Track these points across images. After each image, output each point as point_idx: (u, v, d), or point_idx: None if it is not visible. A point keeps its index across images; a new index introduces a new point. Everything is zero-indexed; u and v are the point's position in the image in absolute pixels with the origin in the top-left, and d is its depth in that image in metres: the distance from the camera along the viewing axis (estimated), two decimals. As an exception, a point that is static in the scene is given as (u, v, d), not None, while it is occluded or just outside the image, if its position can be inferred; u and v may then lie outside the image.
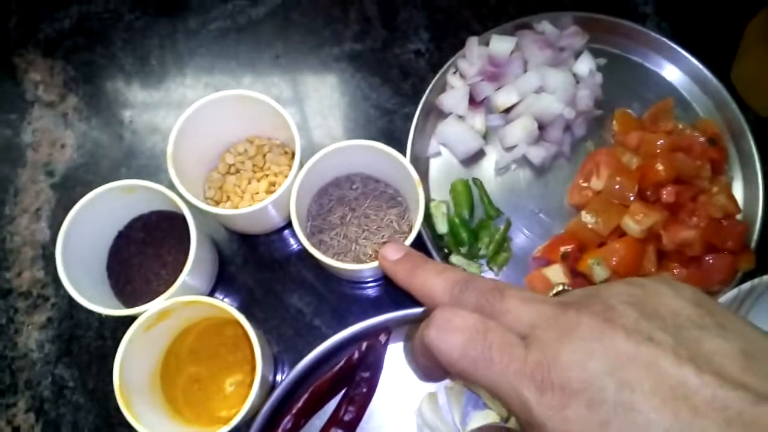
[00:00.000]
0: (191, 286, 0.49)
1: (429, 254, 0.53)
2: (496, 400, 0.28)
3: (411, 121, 0.58)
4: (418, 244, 0.50)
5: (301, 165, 0.49)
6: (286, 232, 0.57)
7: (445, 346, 0.27)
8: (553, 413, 0.23)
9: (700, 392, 0.21)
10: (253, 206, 0.47)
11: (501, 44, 0.57)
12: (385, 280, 0.56)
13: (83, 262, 0.49)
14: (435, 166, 0.58)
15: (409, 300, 0.54)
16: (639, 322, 0.24)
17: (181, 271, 0.52)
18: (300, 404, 0.49)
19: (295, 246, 0.56)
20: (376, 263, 0.46)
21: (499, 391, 0.26)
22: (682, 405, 0.21)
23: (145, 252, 0.53)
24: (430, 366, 0.31)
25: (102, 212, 0.49)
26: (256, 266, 0.56)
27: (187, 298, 0.45)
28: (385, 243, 0.52)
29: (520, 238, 0.56)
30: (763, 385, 0.21)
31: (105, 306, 0.46)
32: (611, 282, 0.28)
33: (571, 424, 0.23)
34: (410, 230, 0.53)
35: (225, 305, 0.45)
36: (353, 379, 0.50)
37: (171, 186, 0.47)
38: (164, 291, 0.51)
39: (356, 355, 0.49)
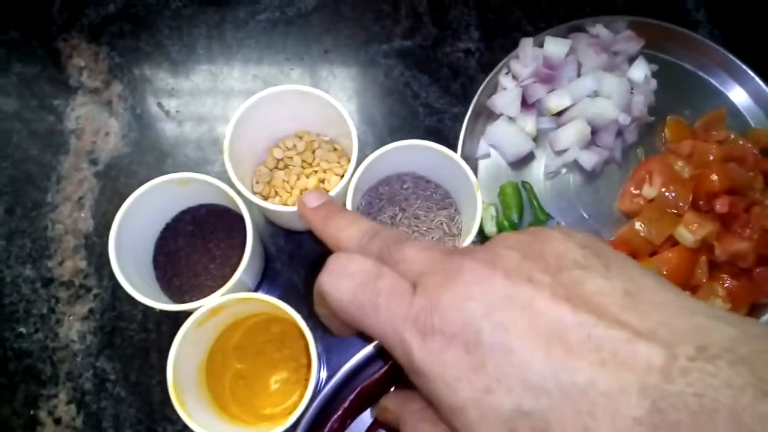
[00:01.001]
0: (241, 282, 0.48)
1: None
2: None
3: (460, 122, 0.57)
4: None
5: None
6: (332, 229, 0.56)
7: (335, 292, 0.27)
8: (432, 358, 0.23)
9: (575, 332, 0.21)
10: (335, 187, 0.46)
11: (556, 46, 0.56)
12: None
13: (132, 255, 0.48)
14: (483, 167, 0.58)
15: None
16: (520, 264, 0.23)
17: (229, 265, 0.51)
18: (347, 404, 0.49)
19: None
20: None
21: (386, 338, 0.25)
22: (556, 345, 0.21)
23: (194, 245, 0.52)
24: (328, 315, 0.30)
25: (153, 204, 0.48)
26: (301, 263, 0.55)
27: (242, 295, 0.44)
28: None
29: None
30: (642, 322, 0.21)
31: (152, 299, 0.45)
32: (502, 233, 0.28)
33: (449, 368, 0.22)
34: (459, 233, 0.52)
35: (281, 303, 0.44)
36: (400, 380, 0.50)
37: (219, 179, 0.47)
38: (212, 285, 0.51)
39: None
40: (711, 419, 0.18)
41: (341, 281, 0.27)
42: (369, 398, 0.50)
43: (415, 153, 0.50)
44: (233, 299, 0.45)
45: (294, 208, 0.47)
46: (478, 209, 0.47)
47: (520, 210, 0.55)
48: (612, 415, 0.19)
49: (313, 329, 0.44)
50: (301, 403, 0.43)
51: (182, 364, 0.45)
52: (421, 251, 0.27)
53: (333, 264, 0.28)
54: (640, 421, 0.19)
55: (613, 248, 0.25)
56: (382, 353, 0.46)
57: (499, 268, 0.23)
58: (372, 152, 0.47)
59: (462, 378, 0.22)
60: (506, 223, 0.53)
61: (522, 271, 0.23)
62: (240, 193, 0.47)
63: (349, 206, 0.47)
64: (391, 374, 0.49)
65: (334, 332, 0.33)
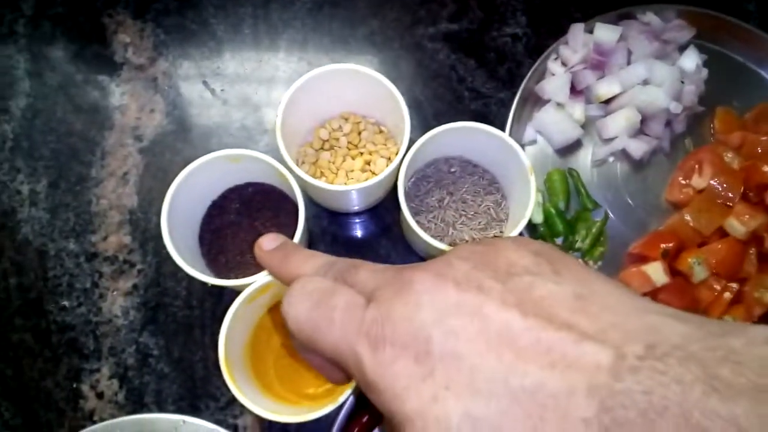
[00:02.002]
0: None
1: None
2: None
3: (506, 107, 0.57)
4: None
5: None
6: (376, 212, 0.56)
7: (293, 312, 0.27)
8: (383, 370, 0.23)
9: (524, 336, 0.21)
10: (368, 182, 0.46)
11: (606, 32, 0.55)
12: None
13: (180, 231, 0.48)
14: (529, 154, 0.57)
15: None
16: (470, 273, 0.24)
17: (275, 244, 0.51)
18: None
19: (383, 227, 0.55)
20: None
21: (339, 353, 0.25)
22: (506, 349, 0.21)
23: (240, 223, 0.52)
24: (301, 348, 0.30)
25: (202, 180, 0.48)
26: (344, 245, 0.55)
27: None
28: (482, 229, 0.52)
29: (614, 233, 0.55)
30: (591, 324, 0.21)
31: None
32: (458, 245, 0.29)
33: (398, 378, 0.22)
34: (506, 219, 0.52)
35: None
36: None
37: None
38: (258, 263, 0.50)
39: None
40: (660, 417, 0.18)
41: (299, 301, 0.27)
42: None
43: (465, 136, 0.49)
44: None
45: (342, 187, 0.46)
46: (532, 193, 0.46)
47: (567, 197, 0.55)
48: (561, 417, 0.19)
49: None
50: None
51: (231, 340, 0.45)
52: (375, 272, 0.27)
53: (292, 287, 0.28)
54: (590, 421, 0.18)
55: (567, 255, 0.25)
56: (360, 399, 0.45)
57: (450, 277, 0.24)
58: (417, 136, 0.47)
59: (410, 387, 0.22)
60: (553, 211, 0.53)
61: (471, 280, 0.23)
62: (291, 170, 0.46)
63: (400, 187, 0.46)
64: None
65: (320, 372, 0.32)
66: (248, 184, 0.52)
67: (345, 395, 0.43)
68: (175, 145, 0.57)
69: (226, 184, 0.52)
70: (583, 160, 0.57)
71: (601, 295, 0.22)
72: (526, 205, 0.46)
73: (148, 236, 0.54)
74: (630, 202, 0.56)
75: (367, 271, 0.28)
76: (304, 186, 0.48)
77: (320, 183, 0.46)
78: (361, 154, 0.54)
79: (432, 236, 0.51)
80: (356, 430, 0.44)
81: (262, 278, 0.44)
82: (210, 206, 0.52)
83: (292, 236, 0.46)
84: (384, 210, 0.56)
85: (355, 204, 0.53)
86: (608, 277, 0.24)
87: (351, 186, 0.46)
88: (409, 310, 0.23)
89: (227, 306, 0.41)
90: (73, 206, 0.55)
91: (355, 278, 0.28)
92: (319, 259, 0.32)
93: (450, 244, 0.51)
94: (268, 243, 0.37)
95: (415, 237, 0.49)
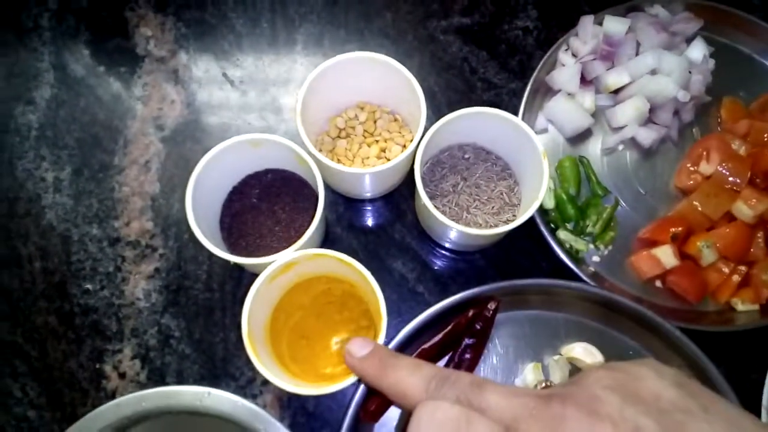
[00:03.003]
0: (309, 242, 0.49)
1: (536, 229, 0.53)
2: None
3: (517, 97, 0.58)
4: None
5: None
6: (390, 199, 0.57)
7: None
8: None
9: None
10: (384, 165, 0.47)
11: (615, 24, 0.57)
12: (488, 251, 0.56)
13: (202, 215, 0.50)
14: (541, 142, 0.58)
15: (515, 271, 0.55)
16: (623, 409, 0.24)
17: (294, 228, 0.53)
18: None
19: (398, 213, 0.57)
20: (492, 231, 0.47)
21: None
22: None
23: (259, 208, 0.53)
24: None
25: (224, 165, 0.50)
26: (361, 230, 0.56)
27: (314, 251, 0.46)
28: (495, 214, 0.53)
29: (624, 219, 0.56)
30: None
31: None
32: (592, 369, 0.28)
33: None
34: (519, 203, 0.53)
35: (352, 260, 0.45)
36: (459, 345, 0.51)
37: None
38: (277, 246, 0.52)
39: (469, 315, 0.49)
40: None
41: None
42: (430, 359, 0.51)
43: (479, 122, 0.51)
44: (306, 255, 0.46)
45: (359, 170, 0.48)
46: (545, 176, 0.48)
47: (578, 184, 0.56)
48: None
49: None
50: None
51: (253, 316, 0.46)
52: (508, 397, 0.26)
53: (419, 417, 0.27)
54: None
55: (702, 386, 0.25)
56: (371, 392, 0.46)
57: (605, 417, 0.24)
58: (431, 126, 0.48)
59: None
60: (564, 197, 0.54)
61: (627, 419, 0.23)
62: (311, 154, 0.48)
63: (417, 173, 0.48)
64: (450, 338, 0.50)
65: None
66: (268, 171, 0.53)
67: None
68: (195, 134, 0.58)
69: (247, 170, 0.53)
70: (593, 149, 0.58)
71: None
72: (538, 190, 0.48)
73: (170, 222, 0.56)
74: (639, 189, 0.57)
75: (498, 395, 0.27)
76: (321, 171, 0.49)
77: (338, 166, 0.48)
78: (377, 141, 0.55)
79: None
80: (373, 407, 0.45)
81: (285, 256, 0.45)
82: (230, 192, 0.53)
83: (310, 221, 0.47)
84: (398, 197, 0.57)
85: (369, 189, 0.55)
86: (741, 409, 0.24)
87: (367, 169, 0.47)
88: None
89: (247, 289, 0.42)
90: (96, 193, 0.57)
91: (483, 401, 0.27)
92: (425, 369, 0.31)
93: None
94: (358, 349, 0.35)
95: (431, 221, 0.50)
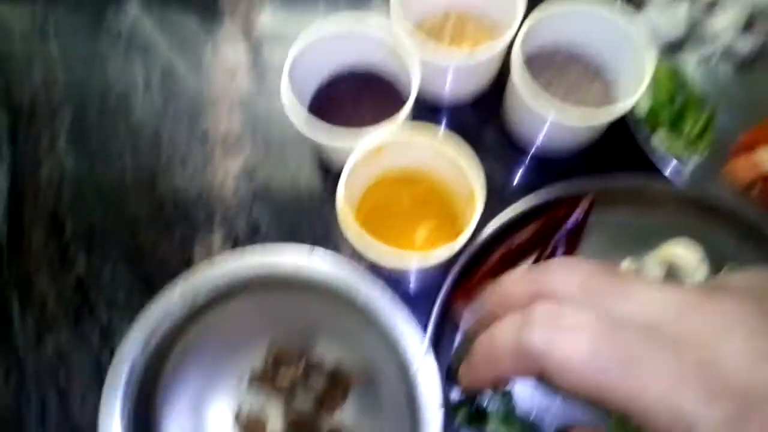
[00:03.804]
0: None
1: (629, 138, 0.52)
2: (627, 420, 0.21)
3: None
4: (619, 123, 0.49)
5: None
6: (476, 105, 0.57)
7: (560, 351, 0.21)
8: (729, 428, 0.19)
9: None
10: (488, 49, 0.47)
11: (717, -71, 0.55)
12: (576, 161, 0.55)
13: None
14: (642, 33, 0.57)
15: (608, 169, 0.53)
16: None
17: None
18: (496, 257, 0.49)
19: (485, 118, 0.56)
20: (590, 121, 0.46)
21: (641, 405, 0.21)
22: None
23: (344, 108, 0.53)
24: (504, 378, 0.25)
25: (312, 60, 0.50)
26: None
27: (417, 123, 0.45)
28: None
29: (719, 132, 0.54)
30: None
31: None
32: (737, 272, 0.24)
33: None
34: (617, 99, 0.52)
35: (451, 134, 0.44)
36: (549, 242, 0.50)
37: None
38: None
39: (561, 214, 0.49)
40: None
41: (568, 336, 0.22)
42: (516, 258, 0.50)
43: (576, 20, 0.50)
44: (407, 132, 0.45)
45: (463, 53, 0.47)
46: (647, 69, 0.46)
47: (673, 92, 0.54)
48: None
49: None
50: (469, 226, 0.42)
51: (349, 188, 0.45)
52: (658, 289, 0.22)
53: (543, 315, 0.23)
54: None
55: None
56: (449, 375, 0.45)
57: None
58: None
59: None
60: (661, 98, 0.53)
61: None
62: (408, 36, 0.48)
63: (516, 67, 0.47)
64: (540, 234, 0.49)
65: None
66: (353, 72, 0.54)
67: (466, 235, 0.43)
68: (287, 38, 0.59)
69: (334, 66, 0.53)
70: (689, 59, 0.56)
71: None
72: (634, 93, 0.46)
73: (258, 121, 0.56)
74: (736, 101, 0.55)
75: (642, 284, 0.23)
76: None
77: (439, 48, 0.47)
78: (468, 41, 0.55)
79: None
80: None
81: (385, 131, 0.45)
82: (316, 89, 0.54)
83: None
84: (486, 101, 0.56)
85: (459, 88, 0.54)
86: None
87: (469, 53, 0.47)
88: (756, 357, 0.20)
89: (333, 188, 0.42)
90: (184, 93, 0.58)
91: (622, 290, 0.23)
92: (581, 267, 0.25)
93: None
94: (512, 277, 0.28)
95: (524, 113, 0.49)
